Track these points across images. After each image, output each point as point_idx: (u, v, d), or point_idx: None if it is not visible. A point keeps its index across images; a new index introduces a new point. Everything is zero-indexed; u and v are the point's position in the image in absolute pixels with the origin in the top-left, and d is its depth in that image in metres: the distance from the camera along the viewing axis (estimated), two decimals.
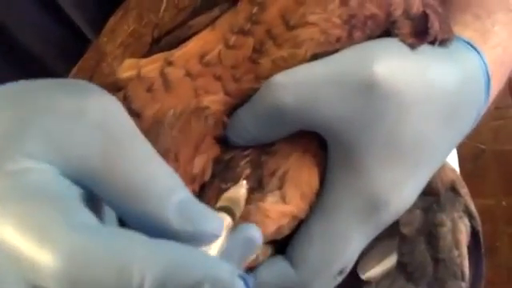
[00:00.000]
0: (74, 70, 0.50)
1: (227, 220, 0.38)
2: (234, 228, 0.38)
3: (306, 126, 0.44)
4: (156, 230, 0.33)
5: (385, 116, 0.43)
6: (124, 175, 0.34)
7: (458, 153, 0.80)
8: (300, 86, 0.42)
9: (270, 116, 0.43)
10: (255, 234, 0.38)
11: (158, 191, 0.34)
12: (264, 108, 0.43)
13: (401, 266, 0.51)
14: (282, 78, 0.43)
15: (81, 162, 0.34)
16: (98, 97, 0.36)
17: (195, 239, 0.33)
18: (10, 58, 0.54)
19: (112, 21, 0.49)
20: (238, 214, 0.39)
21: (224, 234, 0.36)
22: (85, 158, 0.34)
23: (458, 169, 0.80)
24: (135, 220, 0.33)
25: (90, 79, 0.48)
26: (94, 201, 0.35)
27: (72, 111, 0.35)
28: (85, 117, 0.35)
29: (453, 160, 0.79)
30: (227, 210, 0.39)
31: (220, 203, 0.40)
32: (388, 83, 0.43)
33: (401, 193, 0.45)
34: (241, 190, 0.41)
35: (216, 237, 0.34)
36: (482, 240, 0.53)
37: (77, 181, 0.34)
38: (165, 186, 0.34)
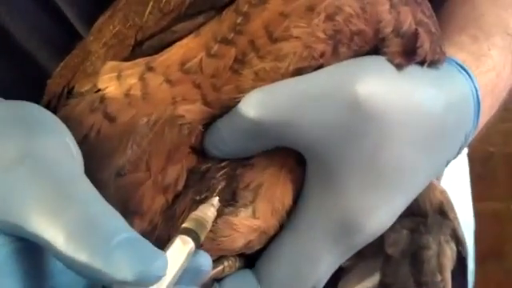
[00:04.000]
0: (60, 66, 0.50)
1: (190, 245, 0.37)
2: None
3: (285, 143, 0.43)
4: (100, 274, 0.33)
5: (365, 138, 0.42)
6: (64, 224, 0.33)
7: (468, 155, 0.79)
8: (280, 102, 0.42)
9: (248, 131, 0.42)
10: (205, 262, 0.38)
11: (100, 234, 0.33)
12: (242, 122, 0.42)
13: (383, 286, 0.50)
14: (261, 94, 0.42)
15: (18, 214, 0.34)
16: (40, 139, 0.36)
17: (140, 281, 0.33)
18: (4, 55, 0.54)
19: (100, 20, 0.48)
20: (202, 237, 0.39)
21: (184, 258, 0.36)
22: (22, 210, 0.34)
23: (467, 172, 0.80)
24: (81, 269, 0.33)
25: (73, 77, 0.47)
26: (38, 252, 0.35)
27: (11, 160, 0.35)
28: (23, 165, 0.35)
29: (463, 163, 0.78)
30: (192, 233, 0.38)
31: (186, 224, 0.39)
32: (370, 104, 0.42)
33: (376, 217, 0.44)
34: (209, 209, 0.41)
35: (160, 278, 0.34)
36: (467, 266, 0.51)
37: (16, 234, 0.34)
38: (108, 228, 0.34)
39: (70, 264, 0.34)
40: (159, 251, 0.34)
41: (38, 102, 0.47)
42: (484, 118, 0.50)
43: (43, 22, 0.53)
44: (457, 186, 0.73)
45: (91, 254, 0.33)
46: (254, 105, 0.42)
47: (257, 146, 0.43)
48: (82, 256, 0.33)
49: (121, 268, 0.33)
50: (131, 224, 0.41)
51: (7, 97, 0.45)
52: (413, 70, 0.44)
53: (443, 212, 0.51)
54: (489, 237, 1.58)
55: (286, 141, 0.43)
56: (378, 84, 0.42)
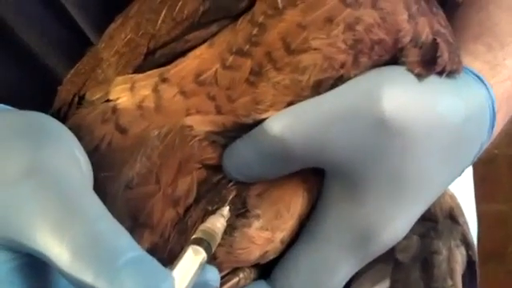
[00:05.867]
0: (71, 73, 0.49)
1: (202, 255, 0.37)
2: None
3: (311, 164, 0.43)
4: None
5: (390, 152, 0.42)
6: (69, 241, 0.33)
7: None
8: (308, 126, 0.41)
9: (275, 157, 0.42)
10: (212, 277, 0.38)
11: (106, 253, 0.33)
12: (269, 148, 0.42)
13: None
14: (288, 116, 0.41)
15: (22, 231, 0.33)
16: (47, 152, 0.36)
17: None
18: (12, 57, 0.53)
19: (111, 27, 0.48)
20: (213, 247, 0.39)
21: (196, 268, 0.36)
22: (26, 226, 0.33)
23: (471, 173, 0.80)
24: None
25: (84, 84, 0.47)
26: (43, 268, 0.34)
27: (16, 173, 0.34)
28: (29, 179, 0.34)
29: None
30: (203, 243, 0.38)
31: (196, 235, 0.39)
32: (396, 120, 0.41)
33: (394, 227, 0.44)
34: (219, 220, 0.40)
35: None
36: (477, 271, 0.51)
37: (20, 250, 0.34)
38: (114, 247, 0.33)
39: (75, 283, 0.33)
40: (166, 271, 0.34)
41: (46, 106, 0.48)
42: (498, 127, 0.50)
43: (52, 26, 0.53)
44: (460, 187, 0.72)
45: (96, 275, 0.32)
46: (281, 130, 0.41)
47: (283, 170, 0.43)
48: (86, 276, 0.32)
49: (130, 284, 0.32)
50: (141, 237, 0.42)
51: (15, 101, 0.45)
52: (433, 80, 0.44)
53: (453, 217, 0.51)
54: (492, 238, 1.58)
55: (313, 162, 0.43)
56: (402, 98, 0.42)
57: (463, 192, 0.75)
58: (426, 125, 0.43)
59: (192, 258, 0.37)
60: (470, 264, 0.51)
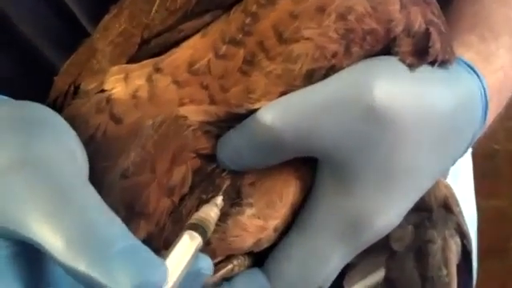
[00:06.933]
0: (66, 63, 0.50)
1: (198, 240, 0.37)
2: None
3: (302, 154, 0.43)
4: (99, 284, 0.32)
5: (381, 141, 0.42)
6: (63, 230, 0.33)
7: (472, 153, 0.79)
8: (298, 116, 0.42)
9: (266, 144, 0.42)
10: (205, 265, 0.38)
11: (99, 242, 0.33)
12: (261, 137, 0.42)
13: (388, 281, 0.50)
14: (279, 107, 0.42)
15: (16, 219, 0.34)
16: (41, 142, 0.36)
17: None
18: (8, 48, 0.54)
19: (106, 18, 0.48)
20: (209, 234, 0.39)
21: (191, 254, 0.36)
22: (20, 214, 0.34)
23: (471, 169, 0.80)
24: (79, 277, 0.33)
25: (80, 74, 0.47)
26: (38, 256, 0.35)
27: (10, 163, 0.35)
28: (23, 169, 0.35)
29: (467, 160, 0.78)
30: (199, 228, 0.38)
31: (191, 221, 0.39)
32: (386, 109, 0.42)
33: (386, 216, 0.44)
34: (212, 210, 0.41)
35: (161, 287, 0.33)
36: (472, 261, 0.52)
37: (14, 237, 0.34)
38: (108, 236, 0.33)
39: (69, 271, 0.33)
40: (159, 260, 0.34)
41: (43, 98, 0.48)
42: (491, 117, 0.50)
43: (49, 18, 0.53)
44: (460, 183, 0.73)
45: (90, 263, 0.33)
46: (272, 118, 0.41)
47: (274, 159, 0.43)
48: (80, 265, 0.33)
49: (120, 279, 0.32)
50: (137, 226, 0.42)
51: (12, 93, 0.45)
52: (424, 70, 0.44)
53: (448, 206, 0.51)
54: (492, 234, 1.58)
55: (304, 151, 0.43)
56: (392, 88, 0.42)
57: (463, 187, 0.75)
58: (416, 114, 0.43)
59: (188, 243, 0.37)
60: (464, 254, 0.51)
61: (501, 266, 1.76)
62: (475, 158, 0.80)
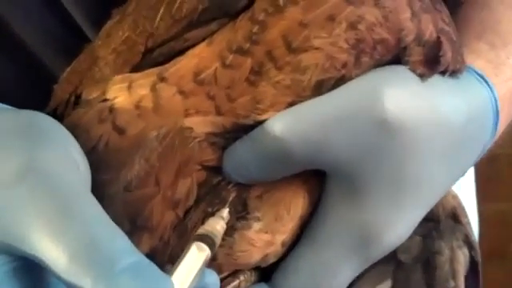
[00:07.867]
0: (67, 71, 0.49)
1: (206, 251, 0.37)
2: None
3: (312, 166, 0.42)
4: None
5: (392, 154, 0.42)
6: (66, 245, 0.32)
7: None
8: (308, 127, 0.41)
9: (274, 157, 0.41)
10: (211, 281, 0.37)
11: (104, 258, 0.32)
12: (269, 149, 0.41)
13: None
14: (288, 118, 0.41)
15: (18, 234, 0.33)
16: (43, 153, 0.35)
17: None
18: (8, 54, 0.53)
19: (108, 25, 0.47)
20: (216, 246, 0.38)
21: (200, 266, 0.36)
22: (22, 229, 0.33)
23: (473, 172, 0.79)
24: None
25: (81, 83, 0.46)
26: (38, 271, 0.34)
27: (12, 175, 0.34)
28: (25, 181, 0.34)
29: None
30: (207, 239, 0.37)
31: (198, 233, 0.38)
32: (398, 121, 0.41)
33: (395, 230, 0.44)
34: (218, 223, 0.40)
35: None
36: (480, 272, 0.51)
37: (15, 253, 0.33)
38: (112, 251, 0.32)
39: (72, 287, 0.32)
40: (165, 276, 0.33)
41: (41, 104, 0.47)
42: (501, 128, 0.49)
43: (48, 22, 0.52)
44: (462, 186, 0.72)
45: (95, 280, 0.32)
46: (281, 129, 0.40)
47: (282, 172, 0.42)
48: (84, 281, 0.32)
49: None
50: (140, 240, 0.41)
51: (11, 98, 0.44)
52: (435, 80, 0.43)
53: (455, 217, 0.50)
54: (493, 237, 1.57)
55: (314, 164, 0.42)
56: (404, 99, 0.41)
57: (465, 191, 0.75)
58: (428, 126, 0.42)
59: (196, 255, 0.37)
60: (472, 265, 0.51)
61: (502, 269, 1.76)
62: (477, 161, 0.79)
